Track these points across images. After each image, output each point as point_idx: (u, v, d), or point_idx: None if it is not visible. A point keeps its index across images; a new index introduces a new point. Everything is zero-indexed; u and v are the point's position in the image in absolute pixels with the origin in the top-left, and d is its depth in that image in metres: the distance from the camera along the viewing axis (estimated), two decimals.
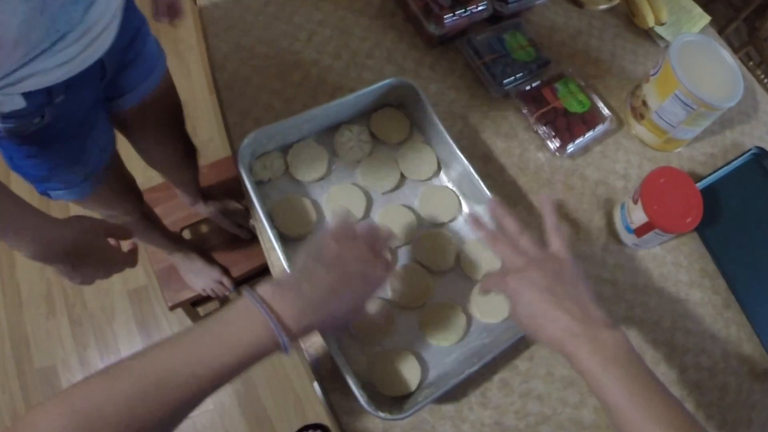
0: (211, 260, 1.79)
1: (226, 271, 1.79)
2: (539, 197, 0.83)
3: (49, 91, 0.85)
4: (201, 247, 1.79)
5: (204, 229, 1.95)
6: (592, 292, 0.71)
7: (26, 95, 0.81)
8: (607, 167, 1.10)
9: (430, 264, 0.92)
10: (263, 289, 0.64)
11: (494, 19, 1.14)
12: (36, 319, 2.04)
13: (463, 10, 1.07)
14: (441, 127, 0.95)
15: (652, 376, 0.64)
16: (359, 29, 1.16)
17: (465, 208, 0.98)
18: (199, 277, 1.73)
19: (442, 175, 1.01)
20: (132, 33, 1.06)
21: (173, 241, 1.68)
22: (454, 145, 0.93)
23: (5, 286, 2.09)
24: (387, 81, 0.98)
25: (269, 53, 1.11)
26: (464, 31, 1.13)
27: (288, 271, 0.78)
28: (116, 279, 2.03)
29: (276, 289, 0.64)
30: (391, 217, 0.94)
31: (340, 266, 0.68)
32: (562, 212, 1.03)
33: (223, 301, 1.90)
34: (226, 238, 1.84)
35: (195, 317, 1.97)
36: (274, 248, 0.84)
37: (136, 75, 1.12)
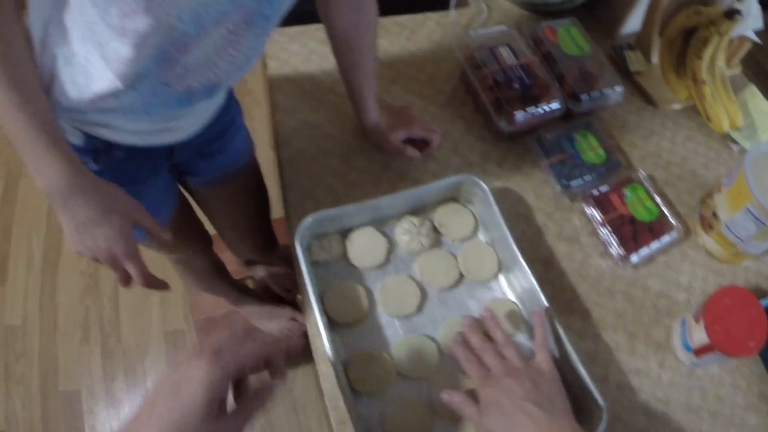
0: (278, 301, 1.85)
1: (297, 306, 1.85)
2: (533, 312, 0.90)
3: (110, 144, 0.90)
4: (268, 291, 1.86)
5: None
6: (569, 406, 0.79)
7: (87, 136, 0.86)
8: (671, 279, 1.12)
9: None
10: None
11: (565, 115, 1.18)
12: (69, 344, 2.12)
13: (535, 108, 1.11)
14: (507, 232, 0.98)
15: None
16: (427, 116, 1.21)
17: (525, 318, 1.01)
18: (273, 322, 1.82)
19: (501, 279, 1.03)
20: (220, 128, 1.11)
21: (238, 291, 1.74)
22: (519, 253, 0.96)
23: (44, 307, 2.19)
24: (456, 178, 1.02)
25: (336, 134, 1.17)
26: (534, 127, 1.16)
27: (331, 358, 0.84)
28: (155, 318, 2.14)
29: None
30: (453, 329, 0.96)
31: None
32: (621, 324, 1.05)
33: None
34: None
35: None
36: (319, 334, 0.88)
37: (211, 165, 1.17)
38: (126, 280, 0.85)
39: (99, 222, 0.76)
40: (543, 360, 0.83)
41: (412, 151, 1.09)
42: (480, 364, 0.83)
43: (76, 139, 0.85)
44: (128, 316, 2.18)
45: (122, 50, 0.67)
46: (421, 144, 1.12)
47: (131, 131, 0.87)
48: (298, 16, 1.23)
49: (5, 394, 2.01)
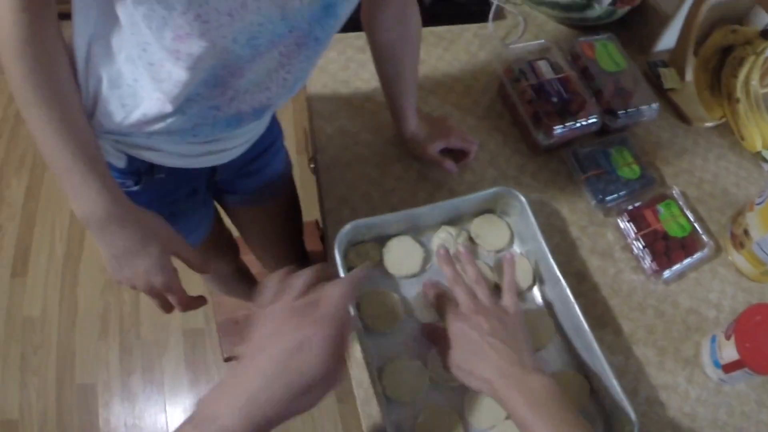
0: None
1: None
2: (504, 257, 0.96)
3: (152, 166, 0.90)
4: None
5: None
6: (531, 346, 0.84)
7: (129, 158, 0.86)
8: (701, 296, 1.14)
9: None
10: (205, 395, 0.60)
11: (601, 131, 1.20)
12: (87, 337, 2.17)
13: (573, 122, 1.14)
14: (543, 244, 1.00)
15: (578, 421, 0.72)
16: (465, 127, 1.23)
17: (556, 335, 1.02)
18: None
19: (535, 291, 1.06)
20: (261, 149, 1.13)
21: None
22: (554, 265, 0.98)
23: (64, 299, 2.23)
24: (494, 189, 1.04)
25: (373, 142, 1.19)
26: (570, 141, 1.19)
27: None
28: (175, 315, 2.15)
29: (214, 392, 0.60)
30: None
31: (270, 346, 0.61)
32: (651, 339, 1.07)
33: None
34: None
35: None
36: (355, 341, 0.91)
37: (249, 184, 1.19)
38: (166, 307, 0.86)
39: (137, 253, 0.76)
40: (510, 302, 0.89)
41: (449, 164, 1.11)
42: (450, 298, 0.90)
43: (119, 162, 0.86)
44: (148, 313, 2.21)
45: (175, 72, 0.66)
46: (459, 154, 1.14)
47: (176, 154, 0.88)
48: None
49: (21, 385, 2.05)
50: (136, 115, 0.73)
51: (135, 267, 0.77)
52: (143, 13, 0.60)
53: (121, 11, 0.63)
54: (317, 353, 0.60)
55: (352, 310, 0.80)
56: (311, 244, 1.95)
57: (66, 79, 0.68)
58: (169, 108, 0.72)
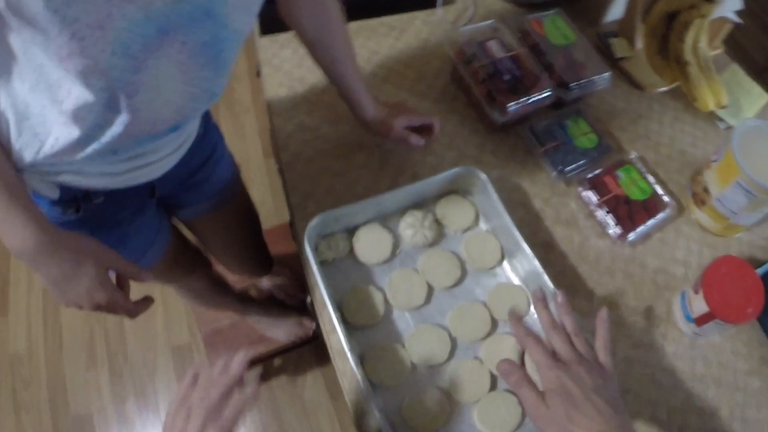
0: (284, 307, 1.90)
1: (301, 310, 1.89)
2: (597, 315, 0.86)
3: (87, 192, 0.92)
4: (272, 299, 1.91)
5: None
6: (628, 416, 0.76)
7: (62, 187, 0.88)
8: (667, 255, 1.17)
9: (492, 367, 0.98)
10: None
11: (555, 104, 1.23)
12: (76, 367, 2.15)
13: (527, 98, 1.17)
14: (508, 219, 1.03)
15: None
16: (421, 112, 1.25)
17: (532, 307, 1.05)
18: (281, 329, 1.84)
19: (505, 265, 1.08)
20: (201, 160, 1.15)
21: (242, 302, 1.78)
22: (521, 238, 1.01)
23: (48, 332, 2.21)
24: (456, 170, 1.07)
25: (332, 134, 1.22)
26: (526, 117, 1.22)
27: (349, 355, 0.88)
28: (160, 332, 2.16)
29: None
30: (464, 317, 1.02)
31: None
32: (622, 301, 1.10)
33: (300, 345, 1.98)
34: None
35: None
36: (335, 332, 0.92)
37: (197, 196, 1.21)
38: (128, 315, 0.88)
39: (74, 276, 0.77)
40: (606, 362, 0.79)
41: (415, 138, 1.11)
42: (545, 347, 0.80)
43: (53, 193, 0.87)
44: (133, 333, 2.20)
45: (74, 90, 0.67)
46: (422, 133, 1.16)
47: (104, 174, 0.88)
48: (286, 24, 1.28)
49: (16, 424, 2.03)
50: (49, 143, 0.74)
51: (76, 290, 0.78)
52: (28, 38, 0.62)
53: (12, 38, 0.65)
54: None
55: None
56: (286, 244, 1.97)
57: None
58: (76, 132, 0.72)
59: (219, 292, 1.64)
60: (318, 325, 1.83)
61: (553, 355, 0.78)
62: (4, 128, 0.76)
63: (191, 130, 1.02)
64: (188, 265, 1.41)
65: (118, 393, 2.10)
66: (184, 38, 0.68)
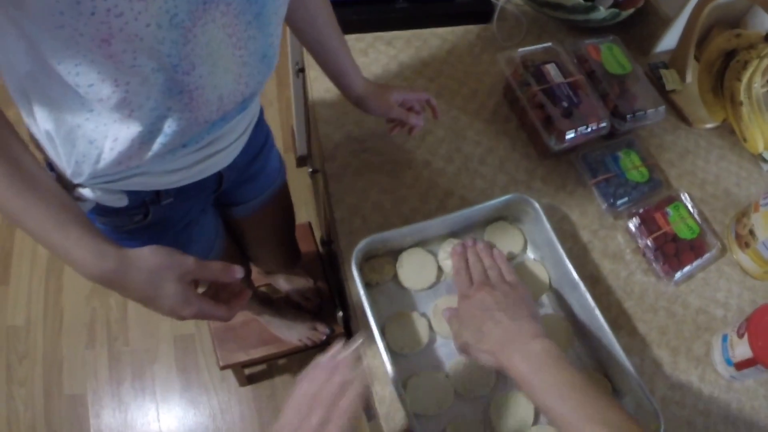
0: (299, 309, 1.88)
1: (316, 314, 1.88)
2: (494, 252, 1.01)
3: (157, 193, 0.88)
4: (288, 301, 1.89)
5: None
6: (537, 314, 0.89)
7: (130, 193, 0.84)
8: (709, 295, 1.17)
9: None
10: None
11: (608, 134, 1.22)
12: (74, 346, 2.14)
13: (584, 127, 1.16)
14: (560, 249, 1.02)
15: (583, 380, 0.75)
16: (472, 132, 1.25)
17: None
18: (293, 330, 1.83)
19: (551, 296, 1.09)
20: (257, 148, 1.12)
21: (261, 301, 1.77)
22: (573, 270, 1.01)
23: (48, 308, 2.20)
24: (507, 197, 1.07)
25: (381, 149, 1.21)
26: (578, 145, 1.21)
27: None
28: (164, 323, 2.14)
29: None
30: None
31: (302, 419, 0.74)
32: (663, 340, 1.10)
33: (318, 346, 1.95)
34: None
35: (242, 377, 2.05)
36: (379, 357, 0.90)
37: (253, 189, 1.19)
38: (222, 320, 0.82)
39: (155, 297, 0.72)
40: (512, 279, 0.95)
41: (415, 118, 1.10)
42: (466, 279, 0.95)
43: (120, 202, 0.83)
44: (136, 319, 2.19)
45: (122, 80, 0.64)
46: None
47: (174, 170, 0.85)
48: None
49: (7, 396, 2.03)
50: (108, 147, 0.71)
51: (161, 309, 0.73)
52: (60, 33, 0.56)
53: (41, 43, 0.60)
54: None
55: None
56: (304, 245, 1.96)
57: (30, 169, 0.66)
58: (136, 127, 0.69)
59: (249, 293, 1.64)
60: (332, 331, 1.83)
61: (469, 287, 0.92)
62: (50, 147, 0.73)
63: (255, 109, 1.00)
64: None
65: (115, 375, 2.10)
66: None
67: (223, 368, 1.81)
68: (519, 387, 0.79)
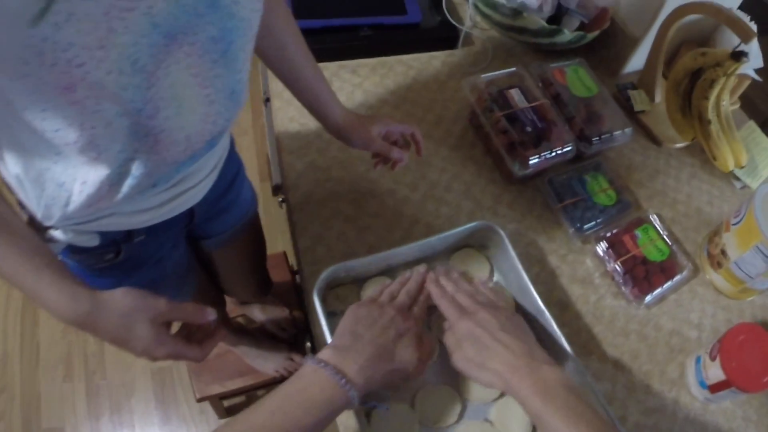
0: (274, 340, 1.87)
1: (292, 344, 1.86)
2: (478, 283, 0.99)
3: (129, 232, 0.88)
4: (264, 331, 1.88)
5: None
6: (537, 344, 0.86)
7: (101, 233, 0.84)
8: (682, 317, 1.16)
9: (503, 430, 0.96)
10: (324, 353, 0.78)
11: (575, 157, 1.22)
12: (51, 381, 2.11)
13: (549, 152, 1.15)
14: (527, 280, 1.01)
15: (593, 413, 0.73)
16: (438, 159, 1.24)
17: None
18: (269, 361, 1.81)
19: None
20: (229, 181, 1.11)
21: (236, 332, 1.76)
22: (539, 300, 0.99)
23: (24, 342, 2.18)
24: (472, 225, 1.05)
25: (345, 177, 1.19)
26: (544, 169, 1.20)
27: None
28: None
29: (335, 352, 0.78)
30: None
31: (375, 326, 0.84)
32: (635, 364, 1.09)
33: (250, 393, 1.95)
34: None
35: (220, 409, 2.02)
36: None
37: (225, 222, 1.17)
38: (195, 361, 0.81)
39: (127, 338, 0.72)
40: (504, 305, 0.94)
41: (398, 152, 1.04)
42: (455, 302, 0.91)
43: (92, 241, 0.84)
44: (114, 352, 2.17)
45: (88, 125, 0.63)
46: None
47: (145, 210, 0.85)
48: None
49: None
50: (77, 190, 0.71)
51: (134, 350, 0.73)
52: (25, 82, 0.56)
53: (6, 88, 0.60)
54: (412, 346, 0.85)
55: None
56: (279, 274, 1.95)
57: (2, 210, 0.67)
58: (104, 171, 0.69)
59: (223, 326, 1.62)
60: None
61: (462, 309, 0.89)
62: (20, 190, 0.72)
63: (225, 145, 0.99)
64: (210, 303, 1.39)
65: (93, 409, 2.07)
66: (192, 38, 0.64)
67: (199, 400, 1.79)
68: (527, 413, 0.77)
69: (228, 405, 2.06)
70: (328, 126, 1.05)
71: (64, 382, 2.10)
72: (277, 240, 2.36)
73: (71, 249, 0.85)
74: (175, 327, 0.81)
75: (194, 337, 0.82)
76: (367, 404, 0.89)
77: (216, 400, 1.91)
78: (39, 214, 0.75)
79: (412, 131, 1.07)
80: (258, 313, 1.87)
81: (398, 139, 1.08)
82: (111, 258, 0.90)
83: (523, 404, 0.77)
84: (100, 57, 0.55)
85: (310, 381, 0.75)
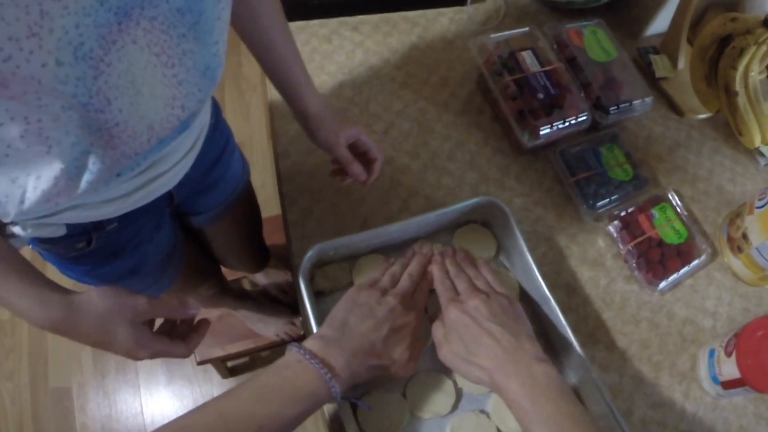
0: (277, 303, 1.82)
1: (294, 308, 1.82)
2: (480, 264, 0.92)
3: (99, 221, 0.80)
4: (266, 294, 1.83)
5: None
6: (532, 333, 0.80)
7: (67, 224, 0.77)
8: (697, 304, 1.07)
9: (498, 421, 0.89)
10: (310, 344, 0.74)
11: (590, 127, 1.11)
12: (58, 339, 2.06)
13: (561, 121, 1.05)
14: (532, 264, 0.92)
15: (582, 414, 0.69)
16: (441, 125, 1.14)
17: None
18: (270, 325, 1.77)
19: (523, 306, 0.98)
20: (214, 157, 1.01)
21: (236, 296, 1.71)
22: (544, 285, 0.91)
23: None
24: (475, 200, 0.96)
25: None
26: (557, 140, 1.10)
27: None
28: None
29: (322, 344, 0.74)
30: None
31: (370, 319, 0.78)
32: (645, 354, 1.00)
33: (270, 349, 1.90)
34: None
35: (223, 370, 2.00)
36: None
37: (212, 198, 1.08)
38: (181, 357, 0.78)
39: (108, 341, 0.69)
40: (504, 291, 0.86)
41: (358, 169, 0.92)
42: (451, 287, 0.86)
43: (58, 231, 0.76)
44: None
45: (32, 121, 0.54)
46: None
47: (111, 200, 0.75)
48: (299, 10, 1.15)
49: None
50: (31, 185, 0.62)
51: (117, 351, 0.70)
52: None
53: None
54: (404, 343, 0.79)
55: None
56: (280, 238, 1.87)
57: None
58: (57, 164, 0.60)
59: (223, 294, 1.57)
60: None
61: (454, 296, 0.84)
62: None
63: (203, 122, 0.88)
64: (203, 275, 1.33)
65: (99, 368, 2.07)
66: (152, 11, 0.55)
67: (200, 363, 1.76)
68: (512, 411, 0.72)
69: (231, 365, 2.06)
70: (296, 113, 0.93)
71: (70, 341, 2.07)
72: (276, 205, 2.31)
73: (38, 239, 0.78)
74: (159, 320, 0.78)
75: (177, 330, 0.79)
76: (348, 399, 0.83)
77: (218, 362, 1.89)
78: None
79: (377, 158, 0.95)
80: (260, 277, 1.82)
81: (368, 152, 0.95)
82: (83, 246, 0.83)
83: (510, 406, 0.72)
84: (31, 48, 0.46)
85: (293, 372, 0.70)
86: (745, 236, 1.07)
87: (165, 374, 2.08)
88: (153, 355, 0.72)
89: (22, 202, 0.64)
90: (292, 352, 0.73)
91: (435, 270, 0.89)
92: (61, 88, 0.51)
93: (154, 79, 0.61)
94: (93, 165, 0.62)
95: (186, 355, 0.76)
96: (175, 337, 0.76)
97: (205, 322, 0.81)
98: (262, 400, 0.67)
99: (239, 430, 0.63)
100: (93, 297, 0.68)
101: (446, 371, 0.89)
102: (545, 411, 0.68)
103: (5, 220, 0.68)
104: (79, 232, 0.80)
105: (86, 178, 0.63)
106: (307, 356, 0.71)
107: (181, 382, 2.07)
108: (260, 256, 1.66)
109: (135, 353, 0.70)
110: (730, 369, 0.94)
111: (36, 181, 0.61)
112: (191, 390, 2.05)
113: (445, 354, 0.80)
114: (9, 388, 2.02)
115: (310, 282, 0.92)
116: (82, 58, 0.50)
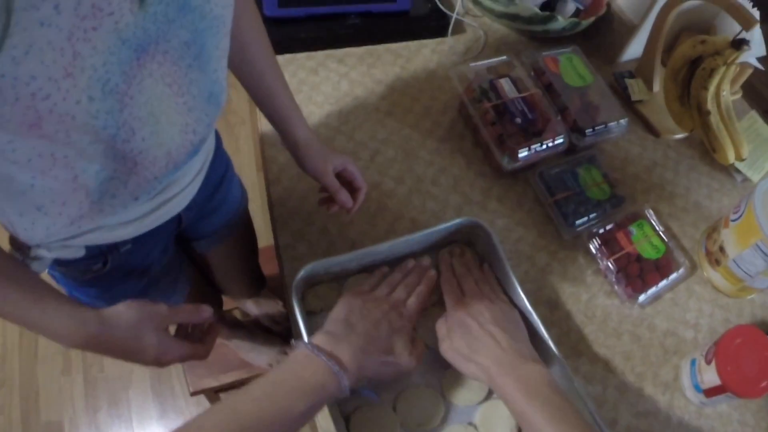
0: (269, 333, 1.83)
1: (286, 338, 1.82)
2: (483, 269, 0.99)
3: (114, 243, 0.85)
4: (258, 324, 1.85)
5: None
6: (528, 338, 0.87)
7: (86, 246, 0.81)
8: (678, 317, 1.10)
9: None
10: (318, 339, 0.77)
11: (567, 149, 1.15)
12: (50, 374, 2.10)
13: (539, 144, 1.09)
14: (515, 281, 0.95)
15: (575, 412, 0.73)
16: (425, 152, 1.18)
17: None
18: (263, 354, 1.78)
19: None
20: (216, 181, 1.06)
21: (230, 326, 1.73)
22: (526, 300, 0.94)
23: (23, 336, 2.16)
24: (459, 220, 0.99)
25: None
26: (536, 162, 1.14)
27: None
28: None
29: (329, 338, 0.77)
30: (458, 378, 0.93)
31: (368, 319, 0.82)
32: (628, 366, 1.03)
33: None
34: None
35: (216, 402, 1.97)
36: None
37: (214, 222, 1.14)
38: (201, 359, 0.83)
39: (138, 349, 0.74)
40: (506, 298, 0.94)
41: (345, 196, 0.95)
42: (458, 287, 0.93)
43: (77, 252, 0.81)
44: None
45: (60, 157, 0.60)
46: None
47: (128, 222, 0.81)
48: (286, 44, 1.20)
49: None
50: (56, 211, 0.68)
51: (144, 360, 0.75)
52: None
53: None
54: (405, 341, 0.83)
55: None
56: (272, 268, 1.90)
57: None
58: (81, 194, 0.66)
59: (219, 321, 1.59)
60: None
61: (460, 297, 0.90)
62: (24, 230, 0.70)
63: (209, 146, 0.94)
64: (206, 300, 1.36)
65: (91, 402, 2.06)
66: (164, 46, 0.60)
67: (193, 394, 1.77)
68: (507, 406, 0.77)
69: (225, 396, 2.03)
70: (285, 141, 0.98)
71: (62, 375, 2.09)
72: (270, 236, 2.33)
73: (57, 261, 0.82)
74: (171, 329, 0.82)
75: (192, 336, 0.85)
76: (356, 392, 0.85)
77: (211, 393, 1.88)
78: (21, 236, 0.72)
79: (362, 187, 0.99)
80: (252, 307, 1.83)
81: (354, 181, 0.99)
82: (99, 268, 0.88)
83: (506, 401, 0.76)
84: (67, 87, 0.51)
85: (302, 366, 0.73)
86: (722, 249, 1.11)
87: (157, 408, 2.07)
88: (179, 359, 0.78)
89: (48, 227, 0.69)
90: (300, 348, 0.75)
91: (443, 268, 0.96)
92: (92, 122, 0.56)
93: (169, 108, 0.67)
94: (116, 190, 0.68)
95: (206, 356, 0.82)
96: (191, 342, 0.82)
97: (216, 325, 0.87)
98: (272, 396, 0.69)
99: (252, 427, 0.65)
100: (121, 310, 0.72)
101: (436, 386, 0.92)
102: (538, 407, 0.72)
103: (31, 243, 0.73)
104: (96, 254, 0.85)
105: (109, 202, 0.69)
106: (315, 350, 0.74)
107: (173, 415, 2.06)
108: (256, 281, 1.69)
109: (163, 358, 0.75)
110: (710, 376, 0.97)
111: (61, 208, 0.67)
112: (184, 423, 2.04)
113: (447, 349, 0.85)
114: (0, 421, 2.00)
115: (302, 302, 0.95)
116: (109, 93, 0.56)
